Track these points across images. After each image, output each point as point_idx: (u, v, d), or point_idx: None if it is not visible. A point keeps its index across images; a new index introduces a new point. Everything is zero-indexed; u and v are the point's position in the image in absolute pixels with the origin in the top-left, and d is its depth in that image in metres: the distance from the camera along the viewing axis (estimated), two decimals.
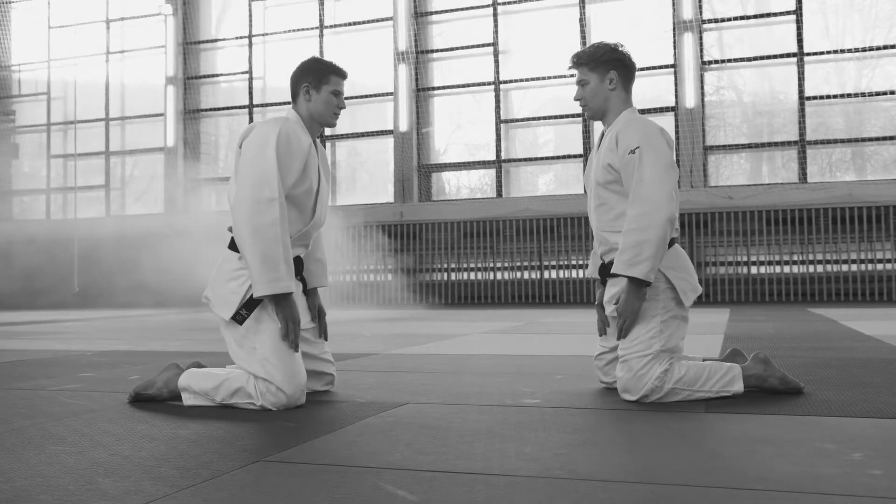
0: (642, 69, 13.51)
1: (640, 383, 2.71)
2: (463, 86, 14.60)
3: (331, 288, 14.23)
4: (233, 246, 2.83)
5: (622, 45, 2.97)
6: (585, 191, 3.13)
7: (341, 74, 3.02)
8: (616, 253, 2.76)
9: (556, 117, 13.91)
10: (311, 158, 2.88)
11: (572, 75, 3.02)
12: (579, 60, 2.96)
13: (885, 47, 12.74)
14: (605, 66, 2.91)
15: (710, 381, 2.75)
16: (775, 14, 13.04)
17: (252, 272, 2.66)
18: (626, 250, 2.69)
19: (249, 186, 2.69)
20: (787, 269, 12.54)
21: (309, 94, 2.97)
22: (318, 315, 3.08)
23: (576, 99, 3.00)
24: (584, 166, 2.97)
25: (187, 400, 2.80)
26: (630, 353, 2.74)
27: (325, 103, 2.97)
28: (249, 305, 2.72)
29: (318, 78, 2.98)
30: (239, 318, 2.72)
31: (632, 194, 2.74)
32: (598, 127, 13.68)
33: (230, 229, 2.83)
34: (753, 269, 12.60)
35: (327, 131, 15.15)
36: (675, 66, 13.24)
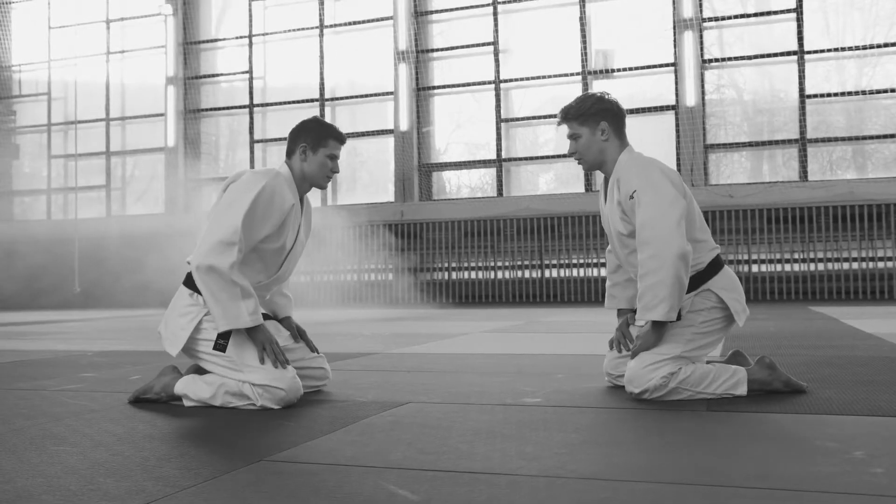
0: (643, 67, 13.53)
1: (645, 377, 2.72)
2: (463, 85, 14.60)
3: (332, 287, 14.23)
4: (188, 281, 2.85)
5: (608, 94, 2.96)
6: (605, 230, 3.14)
7: (340, 140, 3.00)
8: None
9: (556, 116, 13.87)
10: (292, 218, 2.88)
11: (569, 133, 2.99)
12: (567, 115, 2.95)
13: (886, 45, 12.73)
14: (595, 118, 2.90)
15: (714, 384, 2.75)
16: (776, 12, 13.03)
17: (212, 310, 2.68)
18: (644, 295, 2.72)
19: (214, 230, 2.72)
20: (787, 267, 12.53)
21: (305, 154, 2.94)
22: (300, 335, 3.12)
23: (570, 153, 3.00)
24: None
25: (187, 402, 2.81)
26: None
27: (319, 166, 2.95)
28: (225, 334, 2.74)
29: (316, 140, 2.95)
30: (220, 346, 2.74)
31: (638, 237, 2.75)
32: None
33: (189, 262, 2.84)
34: (754, 268, 12.60)
35: None
36: (675, 65, 13.23)
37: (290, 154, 2.99)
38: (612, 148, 2.91)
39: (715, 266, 2.86)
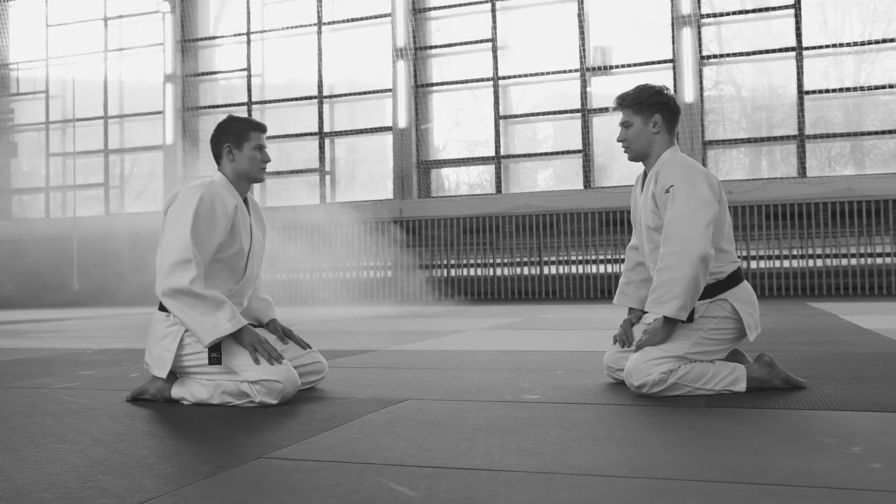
0: (641, 64, 13.52)
1: (645, 371, 2.72)
2: (462, 82, 14.58)
3: (331, 284, 14.23)
4: (162, 307, 2.85)
5: (667, 89, 2.97)
6: (633, 227, 3.14)
7: (261, 129, 2.99)
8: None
9: (555, 113, 13.90)
10: (239, 219, 2.88)
11: (622, 121, 2.98)
12: (623, 102, 2.94)
13: (884, 41, 12.73)
14: (650, 109, 2.90)
15: (713, 380, 2.76)
16: (774, 8, 13.03)
17: (191, 328, 2.69)
18: (658, 288, 2.72)
19: (167, 253, 2.73)
20: (786, 263, 12.54)
21: (232, 154, 2.94)
22: (287, 335, 3.11)
23: (619, 140, 2.98)
24: (631, 202, 3.01)
25: (186, 402, 2.81)
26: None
27: (249, 160, 2.94)
28: (216, 346, 2.74)
29: (237, 137, 2.94)
30: (215, 360, 2.74)
31: (664, 232, 2.75)
32: (597, 123, 13.73)
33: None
34: (753, 264, 12.60)
35: (327, 127, 15.14)
36: (673, 61, 13.23)
37: (218, 159, 2.99)
38: (660, 142, 2.91)
39: (735, 278, 2.86)
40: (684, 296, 2.67)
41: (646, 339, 2.80)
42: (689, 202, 2.72)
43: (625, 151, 2.99)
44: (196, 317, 2.66)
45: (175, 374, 2.90)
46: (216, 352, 2.73)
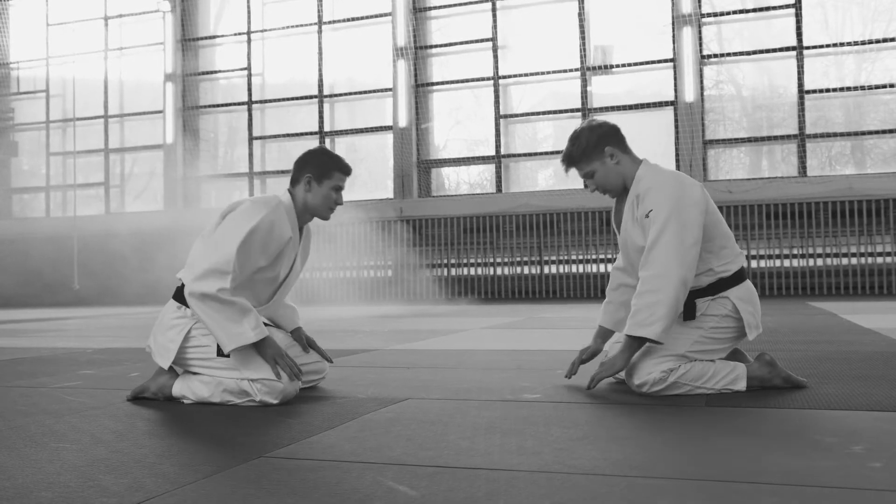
0: (641, 63, 13.52)
1: (645, 370, 2.73)
2: (462, 81, 14.58)
3: (331, 284, 14.23)
4: (177, 295, 2.85)
5: (593, 119, 2.91)
6: (620, 249, 3.08)
7: (346, 171, 2.95)
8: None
9: (555, 112, 13.90)
10: (289, 249, 2.87)
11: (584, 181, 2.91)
12: (572, 161, 2.89)
13: (885, 40, 12.72)
14: (598, 148, 2.84)
15: (713, 379, 2.76)
16: (774, 8, 13.02)
17: (214, 334, 2.66)
18: (640, 311, 2.68)
19: (207, 257, 2.70)
20: (786, 262, 12.53)
21: (310, 185, 2.90)
22: (310, 345, 3.11)
23: (591, 192, 2.94)
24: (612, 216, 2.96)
25: (187, 401, 2.81)
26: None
27: (323, 198, 2.92)
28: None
29: (322, 171, 2.91)
30: (222, 353, 2.73)
31: (645, 256, 2.72)
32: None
33: (179, 279, 2.84)
34: (753, 263, 12.60)
35: (327, 127, 15.14)
36: (674, 61, 13.22)
37: (294, 182, 2.94)
38: (627, 166, 2.86)
39: (739, 277, 2.84)
40: (667, 318, 2.65)
41: (603, 370, 2.78)
42: (671, 225, 2.68)
43: (605, 195, 2.94)
44: (221, 322, 2.64)
45: (176, 372, 2.91)
46: (201, 321, 2.73)
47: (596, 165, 2.85)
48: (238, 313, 2.65)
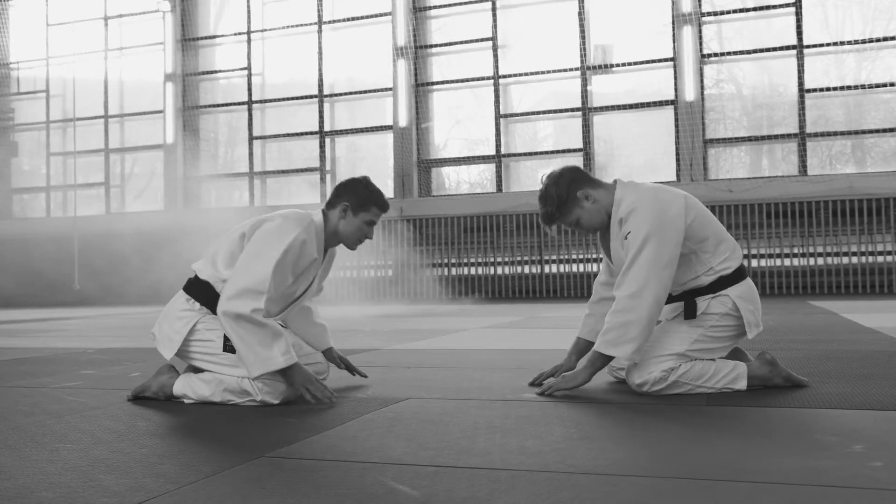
0: (642, 63, 13.51)
1: (646, 369, 2.73)
2: (462, 80, 14.58)
3: (331, 284, 14.23)
4: (188, 287, 2.86)
5: (553, 171, 2.86)
6: (606, 266, 3.07)
7: (383, 208, 2.97)
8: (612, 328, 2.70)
9: (555, 111, 13.89)
10: (311, 269, 2.86)
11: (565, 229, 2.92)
12: (551, 219, 2.87)
13: (885, 39, 12.72)
14: (571, 197, 2.81)
15: (714, 378, 2.76)
16: (774, 6, 13.01)
17: (242, 355, 2.63)
18: (612, 330, 2.68)
19: (242, 275, 2.67)
20: (787, 261, 12.53)
21: (345, 213, 2.90)
22: (343, 363, 3.15)
23: (583, 236, 2.94)
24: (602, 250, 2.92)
25: (188, 400, 2.81)
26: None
27: (356, 228, 2.92)
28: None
29: (360, 202, 2.92)
30: (229, 348, 2.73)
31: (620, 276, 2.71)
32: (597, 121, 13.72)
33: (194, 269, 2.84)
34: (754, 262, 12.60)
35: (327, 126, 15.14)
36: (674, 60, 13.21)
37: (330, 206, 2.94)
38: (603, 198, 2.83)
39: (739, 274, 2.84)
40: (640, 339, 2.66)
41: (562, 383, 2.79)
42: (648, 246, 2.67)
43: (597, 232, 2.93)
44: (252, 345, 2.61)
45: (177, 371, 2.91)
46: (231, 340, 2.72)
47: (576, 213, 2.84)
48: (269, 337, 2.62)
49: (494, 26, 14.24)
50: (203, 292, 2.83)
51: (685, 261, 2.79)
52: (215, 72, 16.18)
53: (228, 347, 2.73)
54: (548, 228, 2.94)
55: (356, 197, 2.92)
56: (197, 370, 2.91)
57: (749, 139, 13.22)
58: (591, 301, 3.16)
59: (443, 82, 14.71)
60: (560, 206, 2.82)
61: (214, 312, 2.78)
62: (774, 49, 13.03)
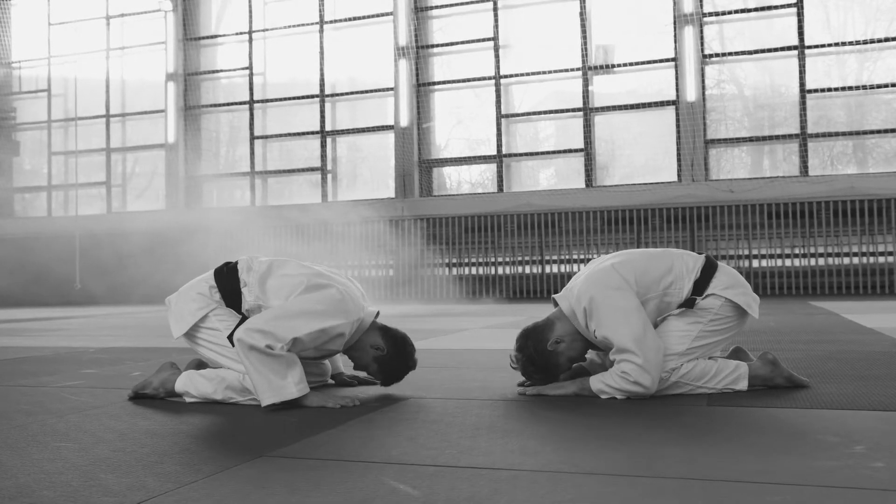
0: (643, 62, 13.51)
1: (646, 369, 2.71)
2: (463, 80, 14.58)
3: None
4: (218, 274, 2.87)
5: (512, 356, 2.84)
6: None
7: (409, 369, 2.96)
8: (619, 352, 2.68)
9: (556, 111, 13.89)
10: (327, 352, 2.89)
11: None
12: (535, 375, 2.83)
13: (887, 40, 12.71)
14: (545, 353, 2.78)
15: (715, 378, 2.75)
16: (776, 7, 13.01)
17: (254, 382, 2.61)
18: (611, 376, 2.66)
19: (272, 320, 2.64)
20: (788, 262, 12.53)
21: (380, 352, 2.87)
22: (357, 381, 3.16)
23: (580, 368, 2.96)
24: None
25: (189, 398, 2.81)
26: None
27: (365, 365, 2.90)
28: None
29: (391, 371, 2.91)
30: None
31: (615, 350, 2.66)
32: (599, 122, 13.71)
33: (243, 262, 2.88)
34: (755, 263, 12.59)
35: (328, 126, 15.14)
36: (675, 60, 13.21)
37: (382, 331, 2.91)
38: (567, 328, 2.79)
39: (706, 277, 2.79)
40: (622, 394, 2.66)
41: (549, 389, 2.79)
42: (608, 311, 2.65)
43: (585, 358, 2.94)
44: (266, 374, 2.58)
45: (179, 368, 2.92)
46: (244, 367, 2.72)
47: (560, 361, 2.82)
48: (284, 366, 2.60)
49: (496, 26, 14.24)
50: (228, 285, 2.84)
51: (658, 304, 2.78)
52: (217, 71, 16.19)
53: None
54: (537, 390, 2.85)
55: (395, 360, 2.88)
56: (198, 366, 2.91)
57: (750, 139, 13.22)
58: None
59: (444, 82, 14.71)
60: (543, 366, 2.81)
61: (229, 306, 2.82)
62: (776, 49, 13.03)
